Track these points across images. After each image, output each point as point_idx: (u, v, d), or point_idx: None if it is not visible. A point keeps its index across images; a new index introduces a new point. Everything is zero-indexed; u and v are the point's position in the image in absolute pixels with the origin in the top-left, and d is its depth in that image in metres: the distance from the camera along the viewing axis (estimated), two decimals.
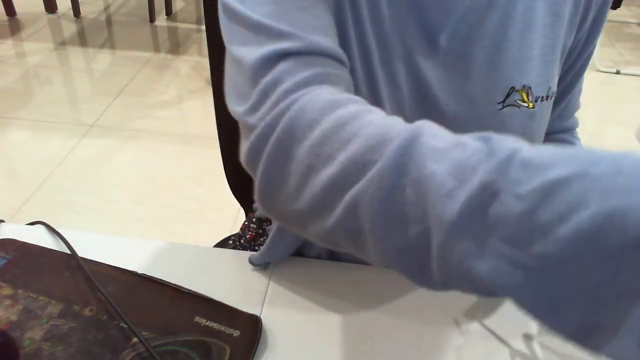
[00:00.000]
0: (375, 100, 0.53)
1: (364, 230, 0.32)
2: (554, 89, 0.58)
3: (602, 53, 2.88)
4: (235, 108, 0.41)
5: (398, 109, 0.54)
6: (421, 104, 0.54)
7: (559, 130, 0.69)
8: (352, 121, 0.34)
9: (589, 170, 0.24)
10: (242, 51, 0.41)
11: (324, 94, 0.37)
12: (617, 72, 2.74)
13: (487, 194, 0.26)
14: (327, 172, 0.33)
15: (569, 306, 0.24)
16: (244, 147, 0.39)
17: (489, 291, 0.27)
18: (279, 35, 0.40)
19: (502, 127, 0.55)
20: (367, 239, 0.32)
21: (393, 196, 0.30)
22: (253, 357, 0.52)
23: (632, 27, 3.38)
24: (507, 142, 0.28)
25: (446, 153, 0.29)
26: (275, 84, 0.38)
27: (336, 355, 0.54)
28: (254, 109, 0.38)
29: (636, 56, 2.99)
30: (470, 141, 0.30)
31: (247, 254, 0.64)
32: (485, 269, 0.26)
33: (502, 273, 0.25)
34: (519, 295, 0.25)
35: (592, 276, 0.23)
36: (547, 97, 0.57)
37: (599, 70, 2.73)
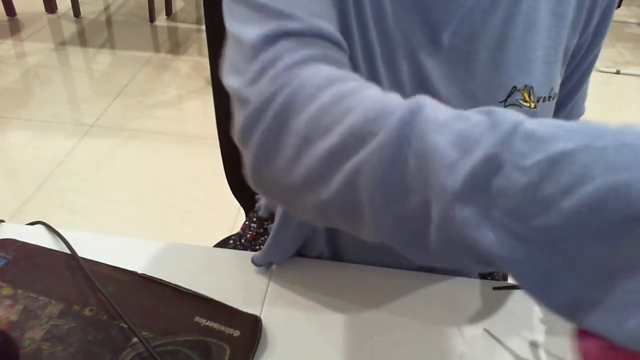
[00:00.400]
0: None
1: (361, 201, 0.32)
2: (556, 90, 0.58)
3: (602, 53, 2.87)
4: (231, 81, 0.40)
5: None
6: None
7: None
8: (351, 95, 0.34)
9: (593, 143, 0.24)
10: (243, 29, 0.41)
11: (324, 70, 0.37)
12: (617, 72, 2.74)
13: (490, 166, 0.26)
14: (325, 144, 0.33)
15: (565, 280, 0.24)
16: (238, 120, 0.39)
17: (487, 262, 0.27)
18: (280, 15, 0.40)
19: None
20: (364, 212, 0.32)
21: (395, 167, 0.30)
22: (253, 357, 0.52)
23: (632, 27, 3.38)
24: (510, 115, 0.28)
25: (448, 125, 0.29)
26: (274, 60, 0.38)
27: (336, 355, 0.54)
28: (252, 82, 0.38)
29: (636, 56, 2.99)
30: (472, 114, 0.30)
31: (248, 254, 0.64)
32: (486, 239, 0.26)
33: (502, 244, 0.25)
34: (516, 267, 0.25)
35: (591, 250, 0.23)
36: (549, 97, 0.57)
37: (599, 70, 2.73)
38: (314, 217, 0.37)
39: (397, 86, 0.53)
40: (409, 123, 0.30)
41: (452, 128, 0.29)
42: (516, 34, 0.53)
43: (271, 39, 0.39)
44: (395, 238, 0.31)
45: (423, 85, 0.53)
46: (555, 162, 0.24)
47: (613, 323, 0.23)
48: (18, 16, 2.96)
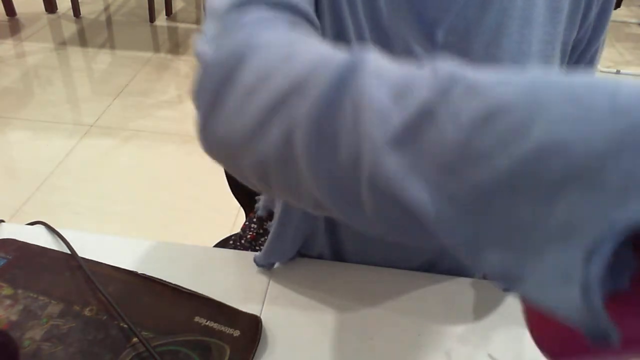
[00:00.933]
0: None
1: (297, 154, 0.30)
2: None
3: (602, 53, 2.88)
4: (198, 48, 0.39)
5: None
6: None
7: None
8: (301, 50, 0.33)
9: (537, 95, 0.22)
10: (216, 1, 0.41)
11: (282, 29, 0.37)
12: (617, 72, 2.74)
13: (424, 119, 0.25)
14: (267, 94, 0.32)
15: (495, 245, 0.23)
16: (194, 78, 0.38)
17: (416, 221, 0.25)
18: None
19: None
20: (301, 168, 0.30)
21: (329, 114, 0.28)
22: (253, 357, 0.52)
23: (632, 27, 3.38)
24: (451, 65, 0.26)
25: (388, 74, 0.28)
26: (237, 20, 0.38)
27: (336, 355, 0.54)
28: (212, 40, 0.38)
29: (636, 56, 2.99)
30: (416, 66, 0.28)
31: (248, 254, 0.64)
32: (414, 195, 0.24)
33: (431, 201, 0.24)
34: (445, 228, 0.24)
35: (524, 214, 0.21)
36: None
37: (599, 70, 2.73)
38: (258, 183, 0.35)
39: None
40: (349, 70, 0.29)
41: (391, 77, 0.28)
42: (511, 30, 0.53)
43: (240, 3, 0.39)
44: (331, 198, 0.29)
45: None
46: (492, 116, 0.22)
47: (543, 291, 0.21)
48: (18, 16, 2.96)
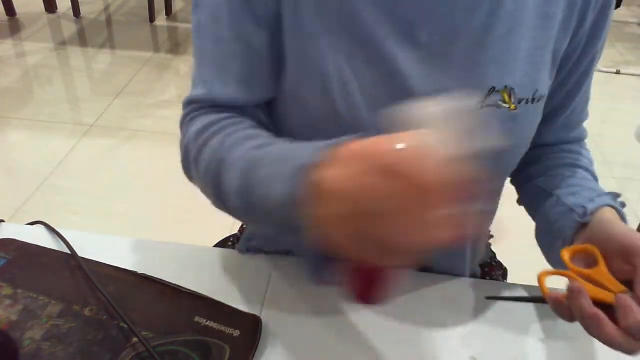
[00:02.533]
0: (348, 98, 0.53)
1: (213, 196, 0.52)
2: (543, 92, 0.56)
3: (602, 53, 2.88)
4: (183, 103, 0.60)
5: (374, 106, 0.53)
6: (399, 100, 0.54)
7: (566, 141, 0.66)
8: (206, 157, 0.52)
9: (252, 169, 0.45)
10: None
11: (198, 122, 0.55)
12: (617, 72, 2.74)
13: (220, 186, 0.49)
14: (202, 179, 0.53)
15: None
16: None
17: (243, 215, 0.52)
18: (199, 81, 0.56)
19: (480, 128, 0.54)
20: (217, 201, 0.52)
21: (216, 186, 0.50)
22: (253, 357, 0.52)
23: (632, 27, 3.38)
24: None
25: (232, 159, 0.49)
26: (187, 127, 0.57)
27: (336, 355, 0.54)
28: (180, 126, 0.60)
29: (636, 56, 2.99)
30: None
31: (248, 254, 0.64)
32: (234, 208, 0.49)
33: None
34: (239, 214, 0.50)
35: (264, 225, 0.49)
36: (533, 99, 0.55)
37: (599, 70, 2.73)
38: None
39: (371, 83, 0.53)
40: (219, 167, 0.49)
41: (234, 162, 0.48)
42: (498, 34, 0.52)
43: (187, 102, 0.58)
44: (226, 210, 0.51)
45: (397, 83, 0.53)
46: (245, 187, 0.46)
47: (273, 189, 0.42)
48: (18, 16, 2.96)
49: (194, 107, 0.57)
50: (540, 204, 0.62)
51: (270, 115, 0.60)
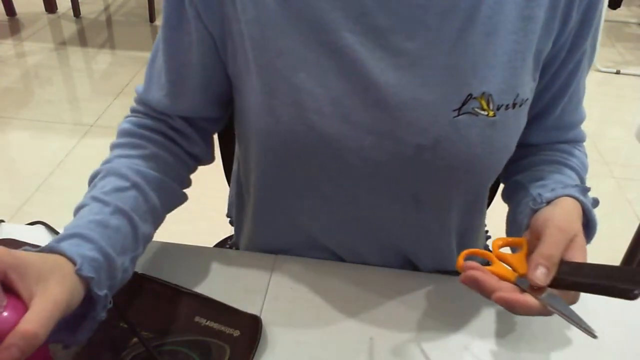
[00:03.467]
0: (320, 110, 0.53)
1: None
2: (525, 96, 0.54)
3: (602, 53, 2.88)
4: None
5: (346, 118, 0.53)
6: (372, 109, 0.53)
7: (558, 141, 0.64)
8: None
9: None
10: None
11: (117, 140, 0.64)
12: (617, 72, 2.74)
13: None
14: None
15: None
16: None
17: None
18: (145, 78, 0.64)
19: (457, 136, 0.53)
20: None
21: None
22: (253, 357, 0.52)
23: (632, 27, 3.38)
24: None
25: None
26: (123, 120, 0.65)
27: (336, 355, 0.54)
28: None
29: (636, 56, 3.00)
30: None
31: (248, 254, 0.64)
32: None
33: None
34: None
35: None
36: (515, 104, 0.54)
37: (599, 70, 2.73)
38: None
39: (343, 95, 0.52)
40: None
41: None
42: (475, 39, 0.51)
43: (136, 91, 0.65)
44: None
45: (371, 92, 0.52)
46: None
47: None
48: (18, 16, 2.96)
49: (135, 98, 0.65)
50: (513, 197, 0.61)
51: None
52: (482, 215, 0.69)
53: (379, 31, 0.51)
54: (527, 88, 0.55)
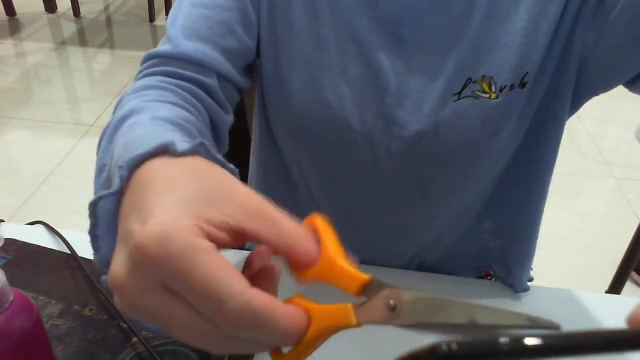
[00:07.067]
0: (337, 90, 0.54)
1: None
2: (534, 75, 0.51)
3: None
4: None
5: (360, 101, 0.54)
6: (380, 93, 0.54)
7: None
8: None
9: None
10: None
11: (139, 84, 0.49)
12: None
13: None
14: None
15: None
16: None
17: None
18: (167, 40, 0.52)
19: (458, 119, 0.53)
20: None
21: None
22: (253, 357, 0.52)
23: None
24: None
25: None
26: (136, 77, 0.52)
27: (336, 355, 0.54)
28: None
29: None
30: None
31: (247, 254, 0.64)
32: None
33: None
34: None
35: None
36: (524, 83, 0.51)
37: None
38: None
39: (358, 76, 0.54)
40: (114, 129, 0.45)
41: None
42: (476, 23, 0.50)
43: (146, 58, 0.53)
44: None
45: (376, 80, 0.53)
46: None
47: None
48: (18, 16, 2.96)
49: (153, 62, 0.52)
50: None
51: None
52: (518, 207, 0.62)
53: (390, 22, 0.52)
54: (536, 66, 0.51)
